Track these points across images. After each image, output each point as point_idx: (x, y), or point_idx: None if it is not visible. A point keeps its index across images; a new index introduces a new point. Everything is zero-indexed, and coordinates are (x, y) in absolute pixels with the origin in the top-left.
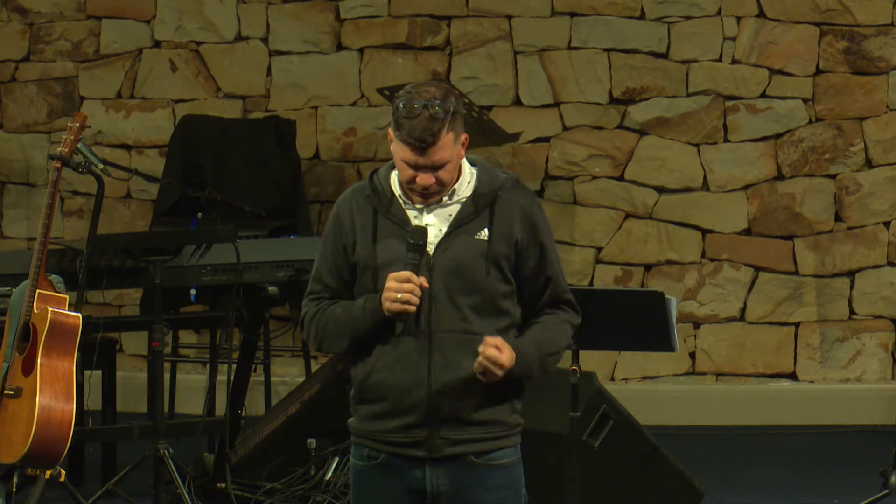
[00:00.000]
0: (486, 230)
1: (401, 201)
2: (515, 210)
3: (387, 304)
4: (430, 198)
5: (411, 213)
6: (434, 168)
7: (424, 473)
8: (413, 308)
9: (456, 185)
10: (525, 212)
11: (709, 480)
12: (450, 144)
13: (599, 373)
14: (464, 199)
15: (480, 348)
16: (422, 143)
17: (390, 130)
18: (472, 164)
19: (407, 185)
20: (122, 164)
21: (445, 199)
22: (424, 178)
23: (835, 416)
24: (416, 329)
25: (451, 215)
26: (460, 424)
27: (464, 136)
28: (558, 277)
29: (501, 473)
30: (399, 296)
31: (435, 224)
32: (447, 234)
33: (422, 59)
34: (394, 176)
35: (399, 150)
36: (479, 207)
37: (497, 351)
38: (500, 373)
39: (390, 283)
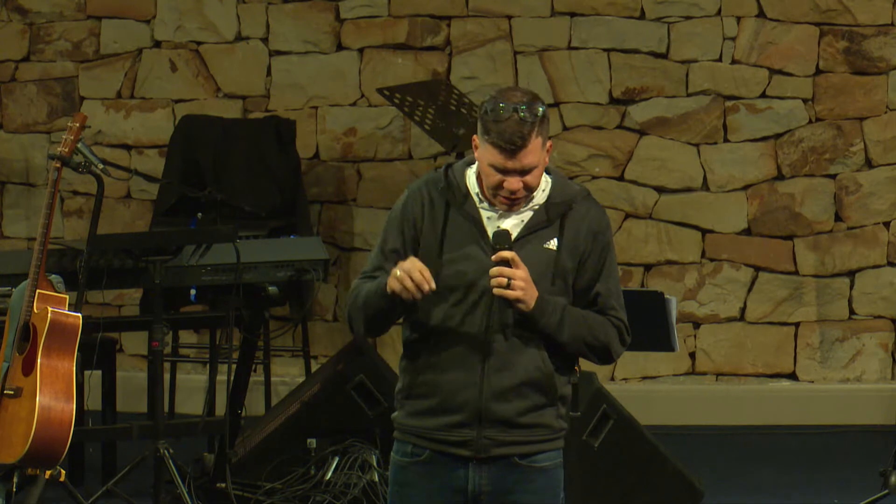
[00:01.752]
0: (555, 240)
1: (475, 199)
2: (584, 223)
3: (390, 281)
4: (516, 204)
5: (485, 214)
6: (522, 172)
7: (468, 473)
8: (408, 295)
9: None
10: (594, 226)
11: (709, 480)
12: (538, 149)
13: (599, 373)
14: (537, 207)
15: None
16: (512, 146)
17: (475, 137)
18: (547, 172)
19: (493, 190)
20: (122, 164)
21: None
22: (512, 183)
23: (835, 416)
24: (474, 329)
25: (523, 221)
26: (507, 426)
27: (549, 143)
28: (609, 295)
29: (544, 476)
30: (399, 273)
31: (507, 228)
32: (517, 240)
33: (422, 59)
34: (469, 173)
35: (487, 155)
36: (552, 217)
37: (515, 268)
38: (520, 281)
39: (403, 264)
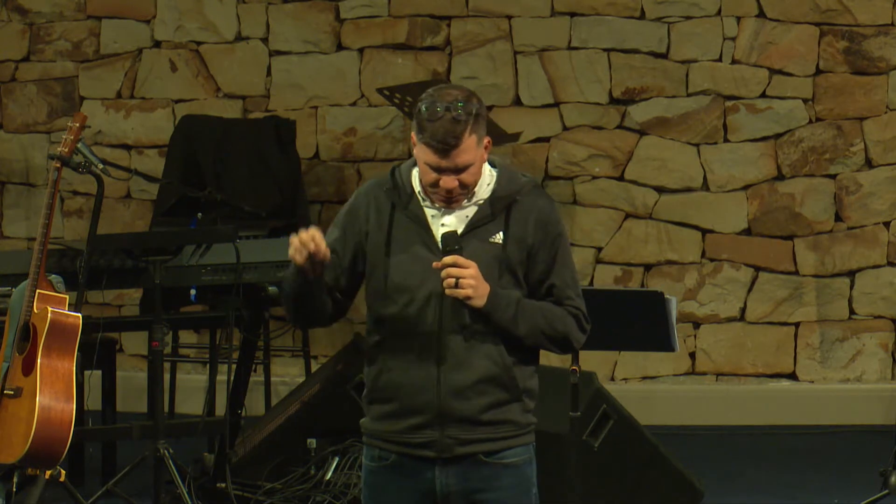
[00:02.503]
0: (500, 234)
1: (419, 198)
2: (531, 215)
3: (289, 250)
4: (454, 201)
5: (429, 212)
6: (457, 171)
7: (434, 474)
8: (301, 259)
9: (475, 188)
10: (541, 217)
11: (709, 480)
12: (473, 147)
13: (599, 373)
14: (481, 202)
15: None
16: (444, 146)
17: (413, 134)
18: (493, 165)
19: (430, 188)
20: (122, 164)
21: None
22: (447, 182)
23: (835, 416)
24: (427, 329)
25: (468, 216)
26: (470, 424)
27: (486, 139)
28: (564, 285)
29: (511, 473)
30: (293, 240)
31: (452, 225)
32: (462, 236)
33: (422, 59)
34: (415, 173)
35: (422, 154)
36: (496, 210)
37: (464, 268)
38: (469, 280)
39: (295, 237)
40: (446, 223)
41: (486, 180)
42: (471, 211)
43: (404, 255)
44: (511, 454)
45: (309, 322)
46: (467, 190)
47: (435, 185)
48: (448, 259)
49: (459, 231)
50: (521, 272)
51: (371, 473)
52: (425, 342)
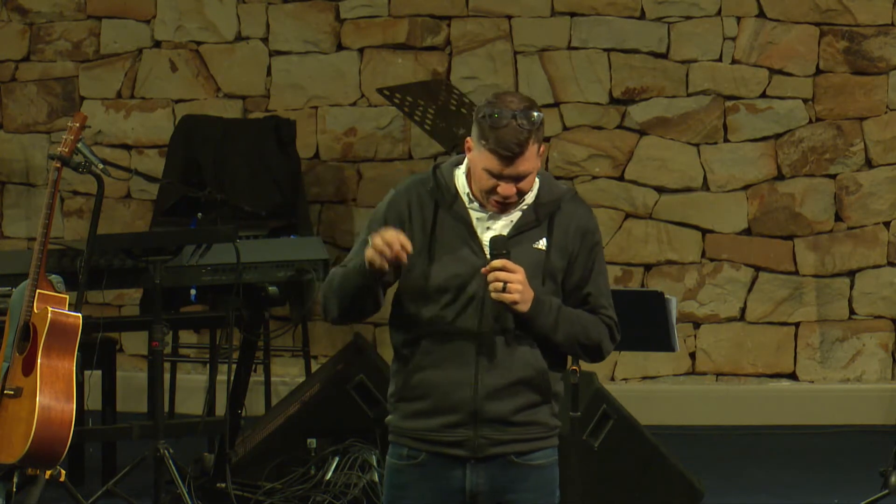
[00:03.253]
0: (544, 240)
1: (465, 200)
2: (572, 222)
3: (368, 252)
4: (508, 207)
5: (474, 215)
6: (517, 179)
7: (465, 473)
8: (378, 260)
9: None
10: (582, 226)
11: (709, 480)
12: (534, 156)
13: (599, 373)
14: (525, 207)
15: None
16: (509, 154)
17: (469, 139)
18: None
19: (486, 193)
20: (122, 164)
21: None
22: (506, 189)
23: (835, 416)
24: (467, 330)
25: (512, 221)
26: (502, 425)
27: (543, 147)
28: (599, 294)
29: (539, 474)
30: (377, 241)
31: (498, 229)
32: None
33: (422, 59)
34: (458, 173)
35: (482, 160)
36: (540, 217)
37: (512, 273)
38: (516, 285)
39: (384, 233)
40: (492, 227)
41: None
42: (515, 216)
43: (448, 256)
44: (540, 456)
45: (351, 319)
46: (523, 197)
47: (492, 191)
48: (497, 263)
49: (504, 235)
50: (561, 279)
51: (397, 472)
52: (464, 343)
